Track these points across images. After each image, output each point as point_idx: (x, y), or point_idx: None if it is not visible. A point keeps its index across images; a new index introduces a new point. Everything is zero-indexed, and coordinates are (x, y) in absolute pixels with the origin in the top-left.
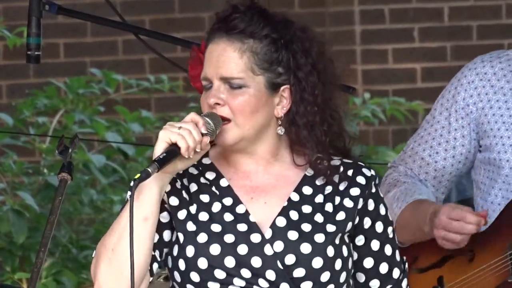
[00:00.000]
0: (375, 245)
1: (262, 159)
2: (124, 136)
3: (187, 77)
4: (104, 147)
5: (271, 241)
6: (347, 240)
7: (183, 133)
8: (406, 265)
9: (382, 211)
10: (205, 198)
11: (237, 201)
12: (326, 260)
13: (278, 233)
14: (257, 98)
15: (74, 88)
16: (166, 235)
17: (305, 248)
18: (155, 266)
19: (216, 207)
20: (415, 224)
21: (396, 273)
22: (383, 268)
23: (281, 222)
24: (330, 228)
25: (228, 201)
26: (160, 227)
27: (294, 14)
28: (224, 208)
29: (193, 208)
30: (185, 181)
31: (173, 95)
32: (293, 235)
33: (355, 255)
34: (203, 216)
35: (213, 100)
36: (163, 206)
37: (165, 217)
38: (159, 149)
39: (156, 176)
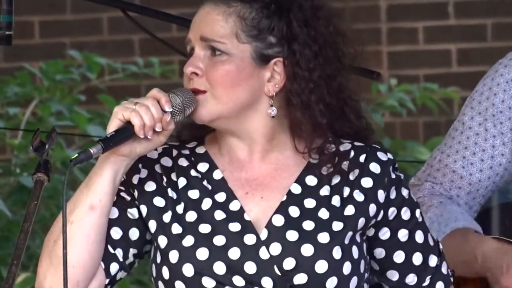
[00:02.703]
0: (403, 235)
1: (257, 144)
2: None
3: (183, 61)
4: (86, 142)
5: (267, 243)
6: (358, 240)
7: (138, 109)
8: (441, 246)
9: (405, 194)
10: (194, 194)
11: (231, 197)
12: (331, 263)
13: (275, 233)
14: (239, 69)
15: (50, 73)
16: (134, 233)
17: (307, 250)
18: (115, 267)
19: (206, 204)
20: (460, 261)
21: (433, 260)
22: (417, 259)
23: (279, 220)
24: (337, 226)
25: (221, 196)
26: (125, 223)
27: None
28: (215, 205)
29: (180, 208)
30: (173, 176)
31: (167, 82)
32: (292, 235)
33: (383, 252)
34: (191, 216)
35: (190, 69)
36: (133, 202)
37: (133, 214)
38: (111, 128)
39: (107, 158)
